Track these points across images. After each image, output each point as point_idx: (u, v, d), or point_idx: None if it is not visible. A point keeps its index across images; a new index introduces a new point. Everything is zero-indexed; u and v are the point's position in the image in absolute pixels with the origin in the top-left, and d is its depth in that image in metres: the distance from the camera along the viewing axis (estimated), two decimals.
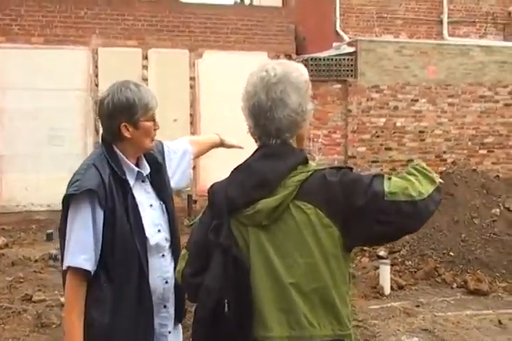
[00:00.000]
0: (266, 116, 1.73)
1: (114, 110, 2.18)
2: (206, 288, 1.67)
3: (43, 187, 9.93)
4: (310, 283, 1.65)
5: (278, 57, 11.02)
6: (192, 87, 11.07)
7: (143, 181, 2.29)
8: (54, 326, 4.92)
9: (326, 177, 1.69)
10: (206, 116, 10.99)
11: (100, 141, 2.31)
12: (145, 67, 10.83)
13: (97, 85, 10.60)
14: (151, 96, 2.24)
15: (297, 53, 11.50)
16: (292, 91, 1.73)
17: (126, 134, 2.20)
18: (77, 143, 10.39)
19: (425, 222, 1.73)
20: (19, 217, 10.08)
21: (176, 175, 2.53)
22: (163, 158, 2.46)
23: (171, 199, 2.36)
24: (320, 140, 11.27)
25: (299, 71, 1.78)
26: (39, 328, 4.89)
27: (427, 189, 1.69)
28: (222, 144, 2.86)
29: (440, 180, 1.75)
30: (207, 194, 1.82)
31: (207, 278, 1.68)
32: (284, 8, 12.74)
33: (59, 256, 7.05)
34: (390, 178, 1.70)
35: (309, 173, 1.70)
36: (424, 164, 1.78)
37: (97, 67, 10.64)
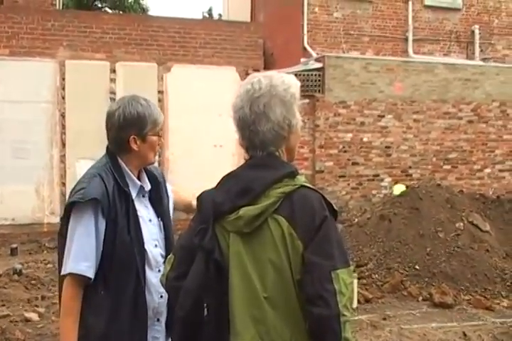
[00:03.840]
0: (250, 129, 1.76)
1: (125, 123, 2.25)
2: (185, 288, 1.69)
3: (7, 200, 9.57)
4: (280, 296, 1.66)
5: (246, 72, 11.09)
6: (160, 100, 11.02)
7: (143, 196, 2.34)
8: None
9: (313, 206, 1.68)
10: (174, 129, 10.97)
11: (105, 151, 2.35)
12: (113, 80, 10.76)
13: (63, 98, 10.49)
14: (159, 113, 2.32)
15: (265, 68, 11.56)
16: (276, 105, 1.75)
17: (134, 147, 2.27)
18: (42, 156, 10.18)
19: (327, 329, 1.61)
20: None
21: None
22: (164, 180, 2.49)
23: (168, 217, 2.40)
24: None
25: (285, 84, 1.79)
26: None
27: (351, 314, 1.65)
28: (188, 207, 2.64)
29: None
30: (196, 201, 1.84)
31: (187, 280, 1.70)
32: (253, 23, 12.88)
33: (23, 271, 6.93)
34: (348, 274, 1.67)
35: (295, 187, 1.71)
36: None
37: (64, 79, 10.54)
